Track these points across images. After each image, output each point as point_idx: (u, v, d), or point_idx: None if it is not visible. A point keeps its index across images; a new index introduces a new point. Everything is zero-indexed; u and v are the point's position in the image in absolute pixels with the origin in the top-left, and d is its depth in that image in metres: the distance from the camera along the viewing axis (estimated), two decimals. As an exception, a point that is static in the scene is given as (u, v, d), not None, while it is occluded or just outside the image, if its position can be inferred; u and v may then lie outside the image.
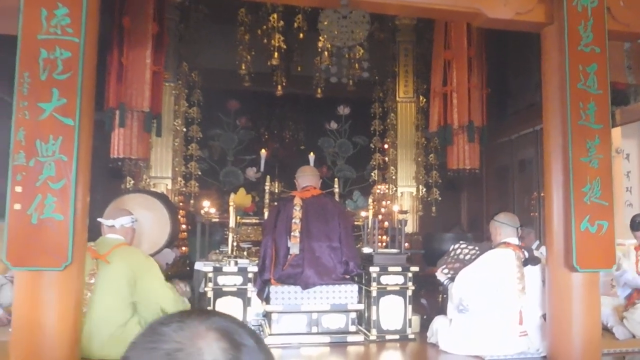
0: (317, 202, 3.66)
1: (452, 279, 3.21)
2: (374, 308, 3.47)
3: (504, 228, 3.24)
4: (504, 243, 3.19)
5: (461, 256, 3.30)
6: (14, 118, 2.17)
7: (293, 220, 3.48)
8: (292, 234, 3.45)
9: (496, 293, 3.04)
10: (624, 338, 3.26)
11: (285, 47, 5.81)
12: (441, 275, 3.33)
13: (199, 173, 5.78)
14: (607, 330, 3.31)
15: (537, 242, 4.33)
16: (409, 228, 5.73)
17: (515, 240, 3.22)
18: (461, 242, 3.49)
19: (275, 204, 4.15)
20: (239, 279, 3.31)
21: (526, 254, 3.16)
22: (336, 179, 4.81)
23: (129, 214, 3.01)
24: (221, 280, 3.29)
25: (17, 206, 2.13)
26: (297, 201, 3.59)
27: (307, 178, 3.84)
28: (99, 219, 2.90)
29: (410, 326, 3.50)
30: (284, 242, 3.48)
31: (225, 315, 0.62)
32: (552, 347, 2.84)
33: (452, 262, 3.32)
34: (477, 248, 3.33)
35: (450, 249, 3.42)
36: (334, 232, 3.53)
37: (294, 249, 3.41)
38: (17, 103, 2.18)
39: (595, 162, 2.72)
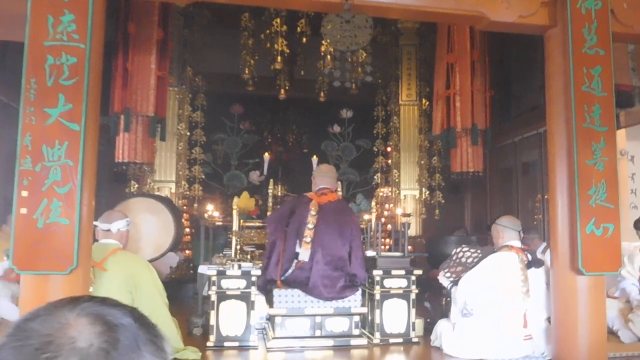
0: (333, 209, 3.52)
1: (455, 283, 3.20)
2: (377, 311, 3.46)
3: (507, 231, 3.24)
4: (507, 246, 3.19)
5: (463, 259, 3.30)
6: (20, 123, 2.19)
7: (307, 225, 3.39)
8: (304, 239, 3.36)
9: (500, 296, 3.03)
10: (629, 341, 3.24)
11: (288, 51, 5.84)
12: (443, 279, 3.32)
13: (203, 177, 5.81)
14: (612, 333, 3.28)
15: (544, 245, 4.31)
16: (413, 231, 5.72)
17: (517, 243, 3.22)
18: (463, 245, 3.48)
19: (288, 199, 4.02)
20: (242, 283, 3.30)
21: (529, 256, 3.16)
22: (339, 182, 4.81)
23: (124, 216, 2.90)
24: (225, 283, 3.30)
25: (24, 210, 2.15)
26: (314, 205, 3.47)
27: (326, 179, 3.68)
28: (94, 223, 2.73)
29: (414, 329, 3.49)
30: (292, 244, 3.41)
31: (96, 299, 0.59)
32: (557, 350, 2.82)
33: (454, 265, 3.31)
34: (479, 251, 3.32)
35: (453, 252, 3.41)
36: (345, 243, 3.43)
37: (304, 256, 3.34)
38: (23, 109, 2.20)
39: (601, 165, 2.71)
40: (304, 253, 3.36)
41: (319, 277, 3.32)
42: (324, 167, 3.90)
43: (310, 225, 3.40)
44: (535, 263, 3.16)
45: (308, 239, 3.36)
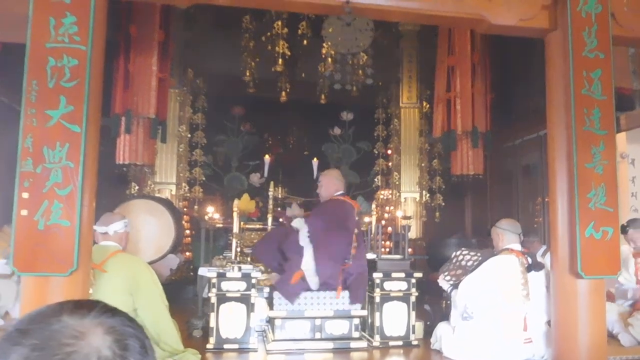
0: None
1: (455, 286, 3.20)
2: (377, 314, 3.46)
3: (507, 234, 3.24)
4: (507, 249, 3.19)
5: (463, 262, 3.30)
6: (22, 125, 2.19)
7: (354, 231, 3.55)
8: (353, 244, 3.51)
9: (501, 299, 3.03)
10: (629, 345, 3.23)
11: (289, 53, 5.86)
12: (443, 282, 3.32)
13: (203, 179, 5.82)
14: (612, 337, 3.28)
15: (544, 247, 4.30)
16: (413, 234, 5.72)
17: (517, 246, 3.22)
18: (463, 248, 3.48)
19: (329, 203, 3.88)
20: (242, 285, 3.31)
21: (529, 259, 3.16)
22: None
23: (122, 218, 2.90)
24: (225, 285, 3.30)
25: (24, 212, 2.15)
26: (356, 211, 3.68)
27: (343, 184, 3.81)
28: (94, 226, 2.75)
29: (413, 332, 3.48)
30: (344, 250, 3.50)
31: (98, 304, 0.61)
32: (557, 354, 2.82)
33: (454, 269, 3.31)
34: (479, 254, 3.32)
35: (452, 255, 3.41)
36: (364, 246, 3.68)
37: (351, 260, 3.50)
38: (25, 110, 2.20)
39: (600, 168, 2.71)
40: (353, 257, 3.49)
41: (353, 283, 3.42)
42: (340, 174, 3.99)
43: (356, 231, 3.57)
44: (535, 266, 3.16)
45: (355, 244, 3.50)
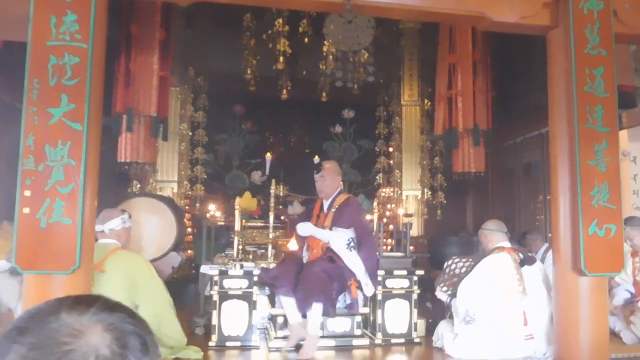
0: None
1: (453, 295, 3.22)
2: (379, 312, 3.46)
3: (495, 234, 3.27)
4: (498, 248, 3.20)
5: (457, 270, 3.31)
6: (23, 123, 2.20)
7: None
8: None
9: (498, 297, 3.03)
10: (631, 343, 3.23)
11: (290, 51, 5.85)
12: (441, 294, 3.34)
13: (205, 177, 5.82)
14: (614, 334, 3.28)
15: (546, 245, 4.30)
16: (414, 231, 5.72)
17: (507, 244, 3.24)
18: (454, 257, 3.51)
19: (355, 201, 3.92)
20: (244, 282, 3.31)
21: (521, 255, 3.17)
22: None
23: (120, 214, 2.85)
24: (227, 283, 3.30)
25: (26, 210, 2.15)
26: None
27: None
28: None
29: (415, 330, 3.49)
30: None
31: (99, 300, 0.60)
32: (559, 351, 2.81)
33: (448, 278, 3.33)
34: (470, 260, 3.34)
35: (445, 265, 3.42)
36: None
37: None
38: (26, 108, 2.21)
39: (603, 166, 2.70)
40: None
41: None
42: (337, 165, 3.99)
43: None
44: (527, 261, 3.17)
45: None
